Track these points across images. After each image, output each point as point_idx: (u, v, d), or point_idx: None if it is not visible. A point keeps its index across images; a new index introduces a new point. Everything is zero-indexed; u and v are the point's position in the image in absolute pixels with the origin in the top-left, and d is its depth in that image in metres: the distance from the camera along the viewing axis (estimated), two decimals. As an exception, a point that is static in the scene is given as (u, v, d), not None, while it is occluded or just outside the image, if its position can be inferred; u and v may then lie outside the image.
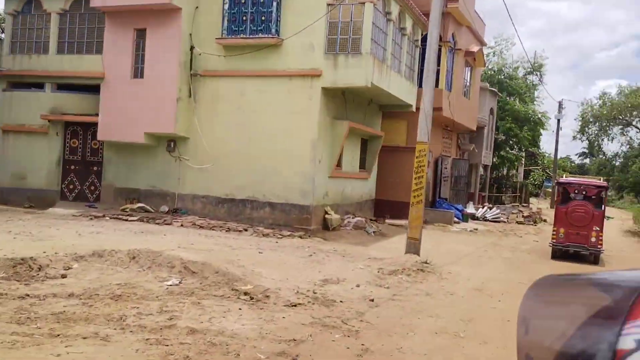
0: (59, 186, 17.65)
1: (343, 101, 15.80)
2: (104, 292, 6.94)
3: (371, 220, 17.64)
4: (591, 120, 54.73)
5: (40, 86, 17.58)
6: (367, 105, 17.53)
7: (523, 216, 24.08)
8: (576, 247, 13.59)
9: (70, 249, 9.41)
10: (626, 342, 0.57)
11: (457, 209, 21.54)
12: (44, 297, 6.47)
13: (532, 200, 39.36)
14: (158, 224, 14.33)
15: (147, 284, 7.50)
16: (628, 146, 54.82)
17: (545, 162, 44.60)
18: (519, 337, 0.78)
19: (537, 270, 10.19)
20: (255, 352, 5.14)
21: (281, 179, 14.71)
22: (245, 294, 7.28)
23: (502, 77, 34.74)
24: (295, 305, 6.93)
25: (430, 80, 11.57)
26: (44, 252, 8.91)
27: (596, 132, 56.15)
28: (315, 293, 7.72)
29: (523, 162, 41.25)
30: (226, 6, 15.04)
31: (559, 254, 14.00)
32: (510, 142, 33.33)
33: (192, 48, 15.56)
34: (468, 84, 23.76)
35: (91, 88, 16.85)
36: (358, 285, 8.57)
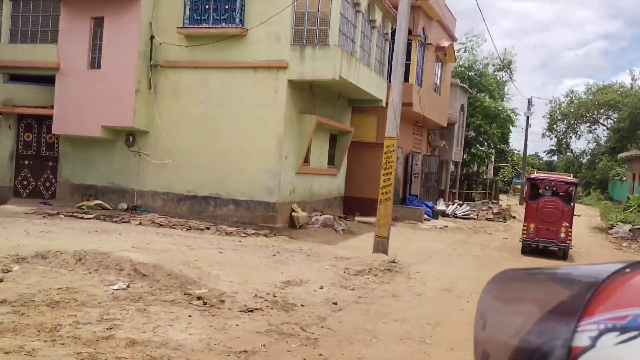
0: (11, 182, 16.72)
1: (311, 95, 15.31)
2: (41, 298, 6.32)
3: (340, 217, 17.22)
4: (559, 118, 55.65)
5: (-10, 77, 16.62)
6: (336, 100, 17.08)
7: (493, 213, 24.01)
8: (546, 242, 13.66)
9: (13, 250, 8.71)
10: (581, 339, 0.56)
11: (428, 206, 21.31)
12: (-31, 305, 5.84)
13: (502, 197, 39.57)
14: (115, 222, 13.62)
15: (91, 289, 6.90)
16: (595, 144, 55.93)
17: (514, 159, 44.96)
18: (476, 332, 0.75)
19: (507, 268, 9.89)
20: (201, 366, 4.63)
21: (246, 175, 14.16)
22: (199, 298, 6.75)
23: (473, 73, 34.74)
24: (251, 311, 6.43)
25: (399, 74, 11.18)
26: (-19, 254, 8.20)
27: (564, 129, 57.19)
28: (275, 296, 7.23)
29: (493, 159, 41.47)
30: (188, -6, 14.38)
31: (528, 250, 14.04)
32: (481, 139, 33.36)
33: (152, 38, 14.85)
34: (439, 79, 23.54)
35: (46, 79, 15.94)
36: (322, 287, 8.11)
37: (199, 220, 14.19)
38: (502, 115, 33.33)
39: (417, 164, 22.92)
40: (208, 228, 13.33)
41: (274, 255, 10.51)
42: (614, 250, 16.71)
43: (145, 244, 10.31)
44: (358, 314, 6.92)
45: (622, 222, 21.47)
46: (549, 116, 55.96)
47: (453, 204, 24.70)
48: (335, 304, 7.25)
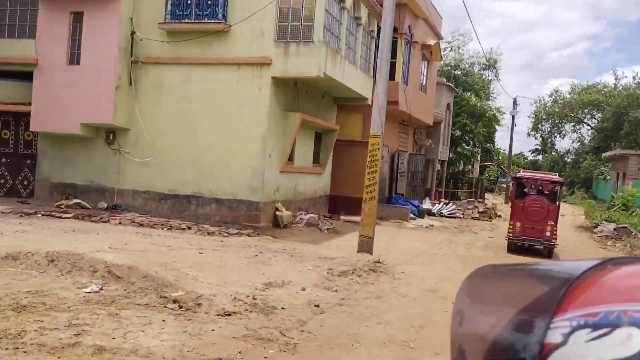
0: (-12, 181, 16.28)
1: (295, 92, 15.07)
2: (7, 301, 6.03)
3: (325, 216, 17.00)
4: (544, 117, 56.01)
5: (-34, 72, 16.13)
6: (321, 98, 16.85)
7: (478, 212, 23.95)
8: (531, 241, 13.82)
9: (-16, 251, 8.38)
10: (554, 336, 0.56)
11: (414, 205, 21.16)
12: None
13: (487, 195, 39.64)
14: (94, 221, 13.27)
15: (62, 292, 6.61)
16: (579, 143, 56.35)
17: (500, 158, 45.08)
18: (453, 328, 0.73)
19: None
20: (172, 374, 4.39)
21: (229, 174, 13.88)
22: (175, 301, 6.49)
23: (459, 72, 34.70)
24: (229, 315, 6.19)
25: (384, 71, 10.98)
26: (-51, 256, 7.87)
27: (549, 129, 57.57)
28: (254, 299, 6.99)
29: (479, 158, 41.53)
30: (170, -11, 14.06)
31: (514, 248, 14.18)
32: (466, 137, 33.34)
33: (133, 33, 14.51)
34: (425, 78, 23.40)
35: (24, 75, 15.48)
36: (304, 289, 7.89)
37: (180, 219, 13.89)
38: (487, 114, 33.34)
39: (403, 163, 22.78)
40: (189, 228, 13.04)
41: (256, 255, 10.26)
42: (599, 249, 16.70)
43: (123, 244, 10.01)
44: (340, 317, 6.71)
45: (606, 220, 21.52)
46: (534, 116, 56.31)
47: (439, 203, 24.61)
48: (317, 306, 7.03)
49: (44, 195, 15.68)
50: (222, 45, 13.89)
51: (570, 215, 28.22)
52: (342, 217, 17.80)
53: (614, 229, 19.63)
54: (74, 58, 14.90)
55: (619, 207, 25.15)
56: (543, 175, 15.40)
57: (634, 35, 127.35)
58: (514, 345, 0.60)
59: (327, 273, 9.19)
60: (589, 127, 54.58)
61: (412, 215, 19.97)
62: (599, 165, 46.25)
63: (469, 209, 24.24)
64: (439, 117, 26.76)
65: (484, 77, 37.87)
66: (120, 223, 13.17)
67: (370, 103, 16.93)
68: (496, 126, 35.95)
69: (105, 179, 15.06)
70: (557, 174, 17.01)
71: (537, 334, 0.58)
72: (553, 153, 60.02)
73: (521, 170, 17.69)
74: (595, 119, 53.27)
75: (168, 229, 12.85)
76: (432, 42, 22.56)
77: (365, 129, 18.23)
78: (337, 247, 12.32)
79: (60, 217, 13.65)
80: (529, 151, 66.48)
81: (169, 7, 14.12)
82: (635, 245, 16.64)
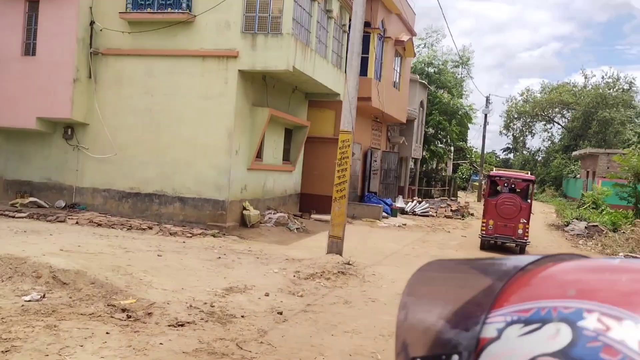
0: (-63, 178, 15.32)
1: (264, 87, 14.53)
2: None
3: (295, 216, 16.52)
4: (515, 116, 56.58)
5: None
6: (291, 93, 16.35)
7: (451, 210, 23.77)
8: (504, 238, 13.94)
9: None
10: (489, 331, 0.58)
11: (387, 203, 20.84)
12: None
13: (460, 193, 39.72)
14: (50, 221, 12.54)
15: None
16: (550, 142, 57.05)
17: (472, 156, 45.24)
18: (398, 323, 0.74)
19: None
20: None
21: (193, 171, 13.29)
22: (123, 310, 5.94)
23: (432, 70, 34.57)
24: (182, 325, 5.67)
25: (354, 64, 10.53)
26: None
27: (520, 128, 58.21)
28: (212, 306, 6.48)
29: (452, 157, 41.57)
30: (132, -23, 13.37)
31: (487, 246, 14.32)
32: (440, 135, 33.25)
33: (92, 23, 13.77)
34: (398, 74, 23.09)
35: (-25, 66, 14.65)
36: (267, 294, 7.40)
37: (142, 219, 13.24)
38: (460, 112, 33.31)
39: (376, 160, 22.43)
40: (151, 228, 12.41)
41: (219, 257, 9.72)
42: (571, 247, 16.61)
43: (76, 246, 9.35)
44: (305, 325, 6.25)
45: (577, 219, 21.54)
46: (505, 115, 56.85)
47: (412, 202, 24.36)
48: (281, 313, 6.56)
49: (-2, 193, 14.84)
50: (186, 36, 13.28)
51: (541, 213, 28.33)
52: (312, 216, 17.36)
53: (585, 227, 19.62)
54: (30, 49, 14.11)
55: (589, 206, 25.29)
56: (516, 174, 15.34)
57: (603, 37, 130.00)
58: (452, 339, 0.61)
59: (294, 276, 8.72)
60: (559, 126, 55.30)
61: (384, 214, 19.64)
62: (569, 164, 46.84)
63: (442, 207, 24.05)
64: (413, 115, 26.52)
65: (456, 75, 37.85)
66: (77, 223, 12.47)
67: (342, 99, 16.51)
68: (469, 125, 35.98)
69: (63, 176, 14.31)
70: (529, 172, 17.06)
71: (473, 329, 0.58)
72: (524, 152, 60.68)
73: (494, 169, 17.55)
74: (565, 118, 53.99)
75: (128, 229, 12.20)
76: (405, 37, 22.25)
77: (338, 126, 17.74)
78: (306, 248, 11.87)
79: (13, 217, 12.88)
80: (501, 150, 67.18)
81: (131, -5, 13.43)
82: (606, 244, 16.59)
